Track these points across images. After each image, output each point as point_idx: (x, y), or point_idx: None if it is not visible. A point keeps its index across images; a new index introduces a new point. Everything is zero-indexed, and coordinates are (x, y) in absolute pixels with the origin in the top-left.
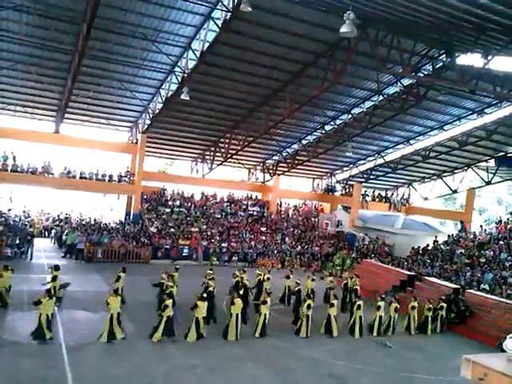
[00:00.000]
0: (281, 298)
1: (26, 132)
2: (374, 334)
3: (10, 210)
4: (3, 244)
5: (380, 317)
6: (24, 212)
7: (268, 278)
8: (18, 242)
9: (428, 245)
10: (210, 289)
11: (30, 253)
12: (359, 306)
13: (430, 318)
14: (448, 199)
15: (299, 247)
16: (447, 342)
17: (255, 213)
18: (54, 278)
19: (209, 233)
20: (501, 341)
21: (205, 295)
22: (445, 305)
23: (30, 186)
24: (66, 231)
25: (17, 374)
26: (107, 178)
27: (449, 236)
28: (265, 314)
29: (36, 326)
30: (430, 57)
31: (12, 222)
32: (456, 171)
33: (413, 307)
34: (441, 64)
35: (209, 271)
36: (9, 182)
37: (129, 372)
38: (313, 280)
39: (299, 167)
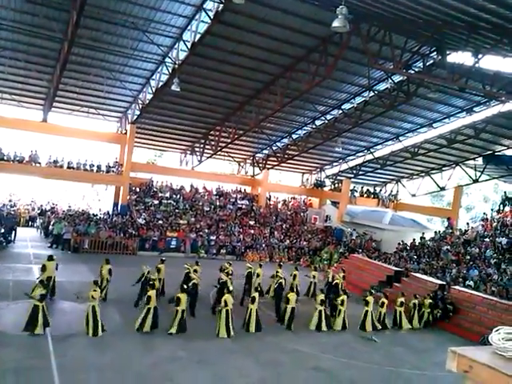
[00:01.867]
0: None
1: (13, 120)
2: (366, 328)
3: None
4: None
5: (366, 311)
6: (10, 201)
7: (257, 275)
8: (3, 231)
9: (414, 239)
10: (194, 281)
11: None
12: (343, 300)
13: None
14: (436, 196)
15: (287, 241)
16: (432, 338)
17: (244, 206)
18: (44, 268)
19: (197, 225)
20: (484, 336)
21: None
22: (431, 301)
23: (16, 175)
24: (53, 221)
25: (3, 364)
26: (95, 169)
27: (435, 232)
28: (254, 310)
29: (28, 318)
30: (421, 54)
31: None
32: (444, 168)
33: (401, 303)
34: (432, 61)
35: (226, 264)
36: None
37: (114, 363)
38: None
39: (289, 161)
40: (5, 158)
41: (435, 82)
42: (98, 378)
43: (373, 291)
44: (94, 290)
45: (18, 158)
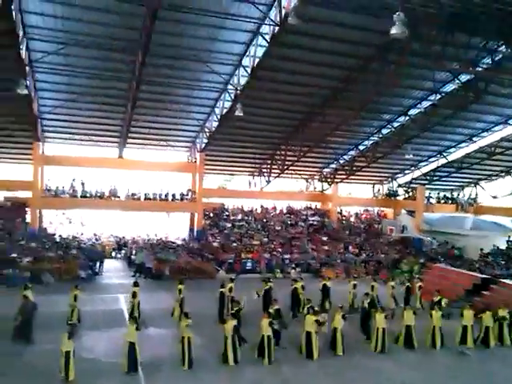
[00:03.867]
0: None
1: (93, 159)
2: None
3: (82, 234)
4: (77, 266)
5: (465, 326)
6: (95, 235)
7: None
8: (90, 263)
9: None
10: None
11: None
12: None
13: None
14: None
15: (364, 255)
16: None
17: (315, 222)
18: (134, 295)
19: (271, 245)
20: None
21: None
22: None
23: (98, 210)
24: (135, 251)
25: None
26: (170, 198)
27: None
28: (340, 330)
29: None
30: (488, 49)
31: (84, 246)
32: None
33: (503, 317)
34: (500, 56)
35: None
36: (79, 208)
37: None
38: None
39: (358, 173)
40: (87, 194)
41: (506, 76)
42: None
43: (470, 303)
44: (184, 321)
45: (99, 194)
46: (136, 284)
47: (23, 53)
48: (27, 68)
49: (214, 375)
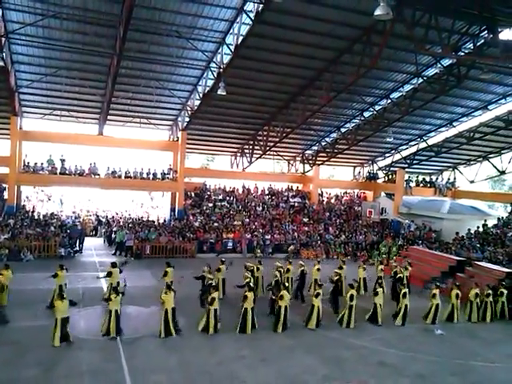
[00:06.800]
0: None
1: (72, 135)
2: (428, 321)
3: (61, 211)
4: (57, 244)
5: (437, 305)
6: (74, 213)
7: (318, 269)
8: (70, 241)
9: (478, 227)
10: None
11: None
12: (405, 294)
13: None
14: (496, 181)
15: (343, 236)
16: (501, 328)
17: (296, 204)
18: (109, 274)
19: (252, 226)
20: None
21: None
22: (505, 291)
23: (78, 188)
24: (115, 229)
25: (77, 366)
26: (151, 176)
27: (499, 219)
28: (318, 307)
29: (107, 323)
30: (470, 34)
31: (65, 223)
32: (503, 151)
33: (476, 294)
34: (482, 41)
35: (248, 264)
36: (58, 185)
37: (181, 363)
38: (364, 269)
39: (339, 156)
40: (67, 172)
41: (487, 62)
42: (168, 379)
43: (438, 283)
44: (166, 294)
45: (78, 171)
46: (114, 265)
47: None
48: (2, 39)
49: (187, 343)
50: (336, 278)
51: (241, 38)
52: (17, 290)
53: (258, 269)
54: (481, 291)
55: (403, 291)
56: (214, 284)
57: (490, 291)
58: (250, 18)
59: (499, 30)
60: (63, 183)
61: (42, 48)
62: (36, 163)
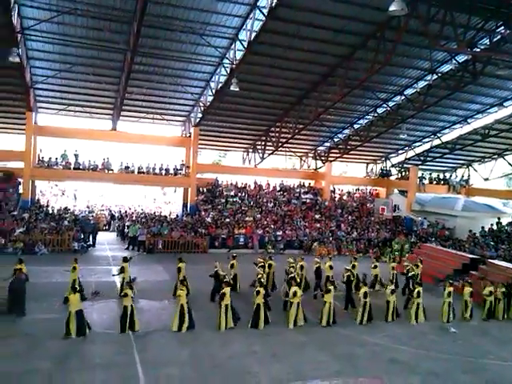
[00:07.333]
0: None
1: (86, 131)
2: (444, 320)
3: (74, 206)
4: (70, 238)
5: (449, 303)
6: (88, 207)
7: (331, 267)
8: (83, 236)
9: (492, 225)
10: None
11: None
12: (418, 292)
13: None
14: (511, 179)
15: (355, 233)
16: None
17: (308, 200)
18: (122, 270)
19: (263, 222)
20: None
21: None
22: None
23: (91, 183)
24: (128, 224)
25: (91, 359)
26: (164, 172)
27: None
28: (329, 303)
29: (121, 317)
30: (486, 30)
31: (78, 218)
32: None
33: (490, 292)
34: (499, 37)
35: (259, 259)
36: (72, 180)
37: (192, 357)
38: (375, 267)
39: (352, 152)
40: (80, 167)
41: (504, 58)
42: (180, 372)
43: (451, 281)
44: (181, 289)
45: (92, 167)
46: (125, 259)
47: (14, 19)
48: (19, 36)
49: (199, 336)
50: (347, 274)
51: (254, 34)
52: (32, 283)
53: (270, 265)
54: (494, 289)
55: (417, 289)
56: (226, 280)
57: (504, 289)
58: (263, 13)
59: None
60: (77, 178)
61: (57, 44)
62: (50, 158)
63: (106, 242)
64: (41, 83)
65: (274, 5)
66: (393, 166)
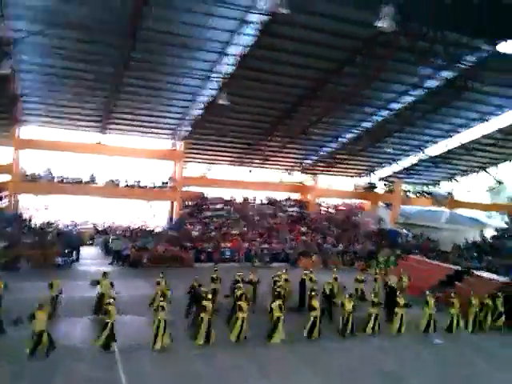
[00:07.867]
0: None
1: (73, 144)
2: (423, 330)
3: (58, 220)
4: (54, 253)
5: (430, 314)
6: (72, 221)
7: (312, 279)
8: (68, 250)
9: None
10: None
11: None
12: (404, 304)
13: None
14: (495, 192)
15: (341, 246)
16: (500, 338)
17: (295, 213)
18: (98, 282)
19: (250, 235)
20: None
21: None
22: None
23: (76, 196)
24: (112, 238)
25: (74, 377)
26: (150, 186)
27: (497, 229)
28: (314, 317)
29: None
30: (473, 47)
31: (62, 232)
32: (500, 163)
33: (474, 303)
34: (485, 54)
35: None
36: (56, 193)
37: (180, 373)
38: (362, 281)
39: (338, 166)
40: (65, 180)
41: (490, 74)
42: None
43: (433, 292)
44: (162, 301)
45: (76, 180)
46: (104, 274)
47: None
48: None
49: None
50: (329, 288)
51: (243, 49)
52: (11, 299)
53: (258, 280)
54: (479, 300)
55: (399, 301)
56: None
57: (489, 301)
58: (252, 28)
59: (504, 42)
60: (62, 191)
61: (45, 56)
62: (35, 172)
63: (90, 257)
64: (28, 95)
65: (266, 21)
66: (381, 179)
